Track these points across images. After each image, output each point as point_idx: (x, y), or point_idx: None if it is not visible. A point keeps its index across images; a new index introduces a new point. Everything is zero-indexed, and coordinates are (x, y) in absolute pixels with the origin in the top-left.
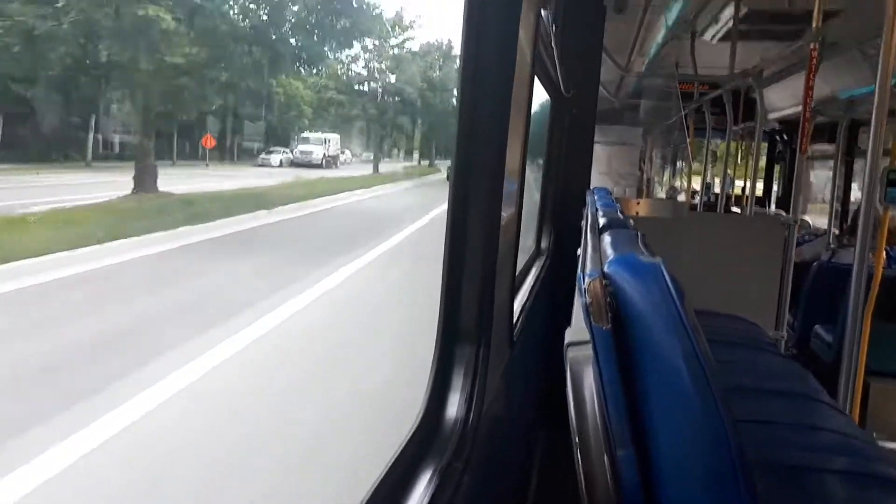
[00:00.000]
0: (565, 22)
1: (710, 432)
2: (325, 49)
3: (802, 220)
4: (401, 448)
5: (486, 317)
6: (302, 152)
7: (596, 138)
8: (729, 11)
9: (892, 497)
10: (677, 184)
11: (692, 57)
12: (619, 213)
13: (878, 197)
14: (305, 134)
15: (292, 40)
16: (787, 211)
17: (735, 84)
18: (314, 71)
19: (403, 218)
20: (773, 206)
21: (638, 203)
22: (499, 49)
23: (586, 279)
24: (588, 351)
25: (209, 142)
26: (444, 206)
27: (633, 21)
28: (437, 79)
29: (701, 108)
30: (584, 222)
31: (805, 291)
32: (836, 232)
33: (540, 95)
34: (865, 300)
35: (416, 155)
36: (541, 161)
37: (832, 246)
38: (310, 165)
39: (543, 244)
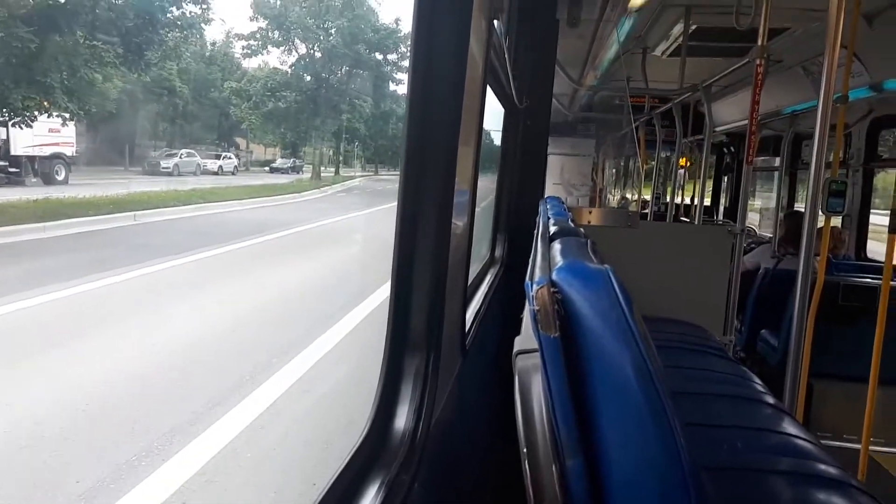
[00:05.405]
0: (519, 34)
1: (660, 441)
2: None
3: (748, 229)
4: (347, 460)
5: (436, 326)
6: None
7: (550, 149)
8: (679, 28)
9: (836, 495)
10: (629, 195)
11: (643, 71)
12: (569, 222)
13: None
14: None
15: None
16: (735, 220)
17: (684, 98)
18: None
19: None
20: (720, 216)
21: (590, 212)
22: (450, 56)
23: (534, 286)
24: (536, 359)
25: None
26: None
27: (586, 36)
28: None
29: (652, 121)
30: (535, 230)
31: (752, 297)
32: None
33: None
34: (809, 304)
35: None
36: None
37: (777, 254)
38: None
39: (497, 253)
